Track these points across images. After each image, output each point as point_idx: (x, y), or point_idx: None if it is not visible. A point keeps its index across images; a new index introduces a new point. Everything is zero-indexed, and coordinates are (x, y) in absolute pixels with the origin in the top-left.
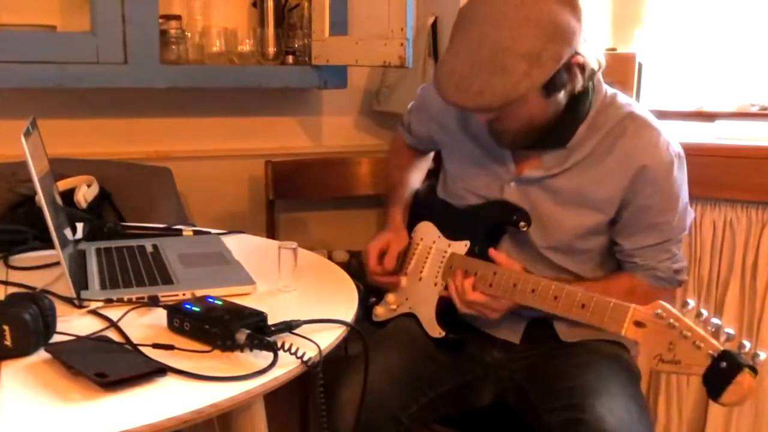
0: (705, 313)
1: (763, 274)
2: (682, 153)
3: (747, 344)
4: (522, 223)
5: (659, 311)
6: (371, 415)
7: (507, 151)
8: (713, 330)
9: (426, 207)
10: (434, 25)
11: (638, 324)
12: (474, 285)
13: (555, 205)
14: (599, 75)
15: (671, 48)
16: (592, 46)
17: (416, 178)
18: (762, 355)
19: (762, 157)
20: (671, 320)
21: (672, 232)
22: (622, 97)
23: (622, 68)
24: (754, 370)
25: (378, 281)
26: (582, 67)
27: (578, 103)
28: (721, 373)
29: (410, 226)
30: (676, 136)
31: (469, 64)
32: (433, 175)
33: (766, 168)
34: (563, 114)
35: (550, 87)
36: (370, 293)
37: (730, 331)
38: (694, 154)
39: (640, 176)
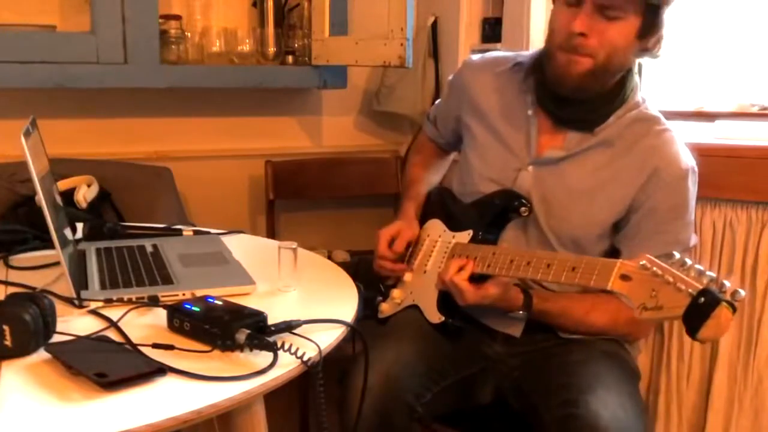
0: (689, 262)
1: (763, 274)
2: (696, 169)
3: (727, 284)
4: (523, 209)
5: (644, 263)
6: (386, 402)
7: (535, 126)
8: (696, 275)
9: (435, 205)
10: (434, 25)
11: (624, 277)
12: (463, 267)
13: (567, 194)
14: (638, 77)
15: (671, 48)
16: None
17: (433, 177)
18: (741, 293)
19: (762, 157)
20: (655, 269)
21: (675, 245)
22: (652, 105)
23: None
24: (732, 306)
25: (384, 267)
26: (660, 42)
27: (624, 85)
28: (700, 309)
29: (420, 225)
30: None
31: None
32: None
33: (766, 168)
34: (608, 94)
35: (647, 23)
36: (377, 293)
37: (712, 274)
38: (695, 154)
39: (655, 177)
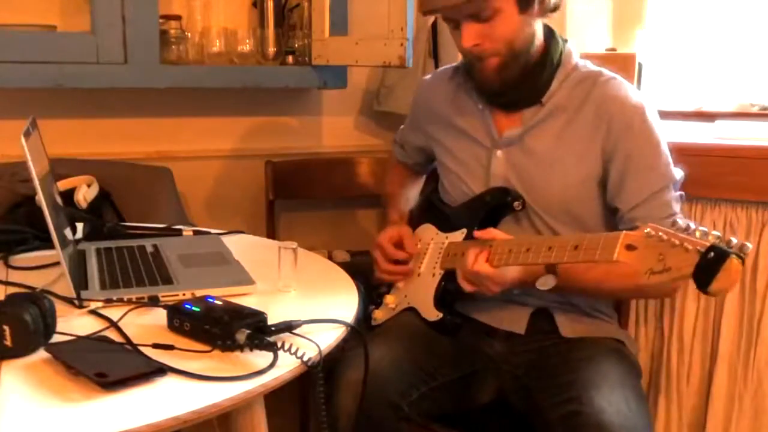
0: (693, 225)
1: (763, 274)
2: (650, 105)
3: (734, 239)
4: (516, 203)
5: (648, 230)
6: (371, 401)
7: (488, 116)
8: (701, 235)
9: (424, 212)
10: (434, 25)
11: (629, 247)
12: (476, 256)
13: (539, 165)
14: (570, 45)
15: (671, 48)
16: None
17: (411, 192)
18: (749, 246)
19: (762, 157)
20: (660, 234)
21: (662, 179)
22: (591, 64)
23: (622, 68)
24: (741, 258)
25: (389, 273)
26: None
27: (549, 51)
28: (710, 263)
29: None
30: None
31: None
32: (432, 180)
33: (766, 168)
34: (537, 65)
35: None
36: (369, 302)
37: (717, 233)
38: (694, 154)
39: (614, 124)
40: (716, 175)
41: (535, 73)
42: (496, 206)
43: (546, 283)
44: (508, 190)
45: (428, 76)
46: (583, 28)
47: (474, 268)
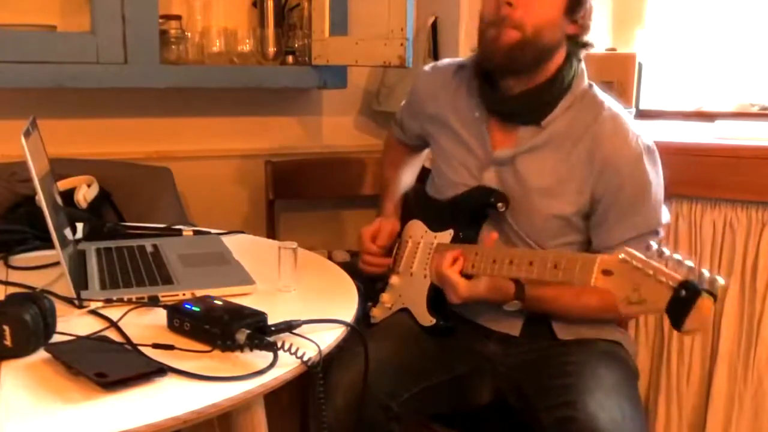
0: (667, 252)
1: (763, 274)
2: (653, 147)
3: (706, 273)
4: (500, 204)
5: (623, 256)
6: (359, 399)
7: (484, 128)
8: (674, 265)
9: (414, 206)
10: (434, 25)
11: (606, 273)
12: (454, 260)
13: (527, 192)
14: (583, 64)
15: (671, 48)
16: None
17: (408, 175)
18: (720, 280)
19: (762, 157)
20: (634, 263)
21: (646, 225)
22: (599, 91)
23: (622, 68)
24: (712, 294)
25: (370, 263)
26: (590, 14)
27: (563, 72)
28: (682, 302)
29: (401, 225)
30: (647, 132)
31: None
32: (424, 176)
33: (766, 168)
34: (547, 82)
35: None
36: (367, 298)
37: (690, 263)
38: (694, 154)
39: (608, 167)
40: (716, 175)
41: (541, 89)
42: (480, 205)
43: (512, 305)
44: (493, 190)
45: (429, 67)
46: None
47: (444, 270)
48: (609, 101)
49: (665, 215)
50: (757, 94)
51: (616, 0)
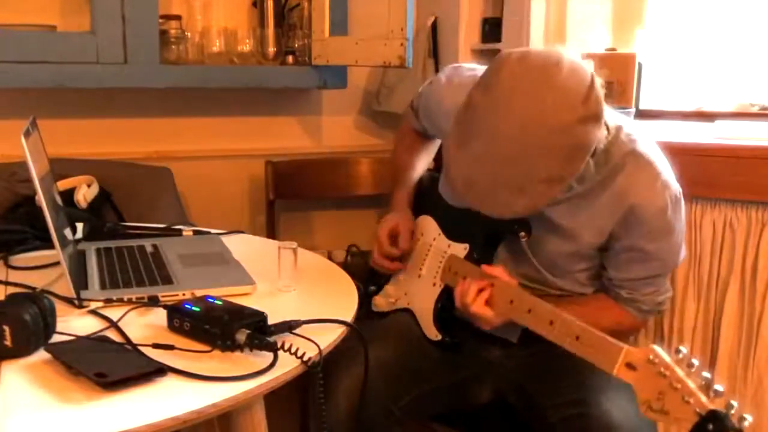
0: (696, 363)
1: (763, 274)
2: (680, 194)
3: (734, 404)
4: (522, 233)
5: (651, 357)
6: (362, 405)
7: None
8: (703, 383)
9: (427, 200)
10: (434, 25)
11: (629, 366)
12: (483, 289)
13: (548, 228)
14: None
15: (671, 48)
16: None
17: (423, 162)
18: (748, 419)
19: (762, 157)
20: (662, 368)
21: (662, 267)
22: (626, 131)
23: (622, 68)
24: None
25: (383, 266)
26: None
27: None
28: None
29: (413, 215)
30: (674, 177)
31: (491, 179)
32: (436, 168)
33: (766, 168)
34: None
35: None
36: (369, 281)
37: (719, 387)
38: (694, 154)
39: (631, 215)
40: (716, 175)
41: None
42: (501, 230)
43: None
44: (518, 218)
45: (445, 78)
46: (583, 28)
47: (473, 309)
48: (637, 144)
49: (682, 254)
50: (757, 94)
51: (616, 0)
